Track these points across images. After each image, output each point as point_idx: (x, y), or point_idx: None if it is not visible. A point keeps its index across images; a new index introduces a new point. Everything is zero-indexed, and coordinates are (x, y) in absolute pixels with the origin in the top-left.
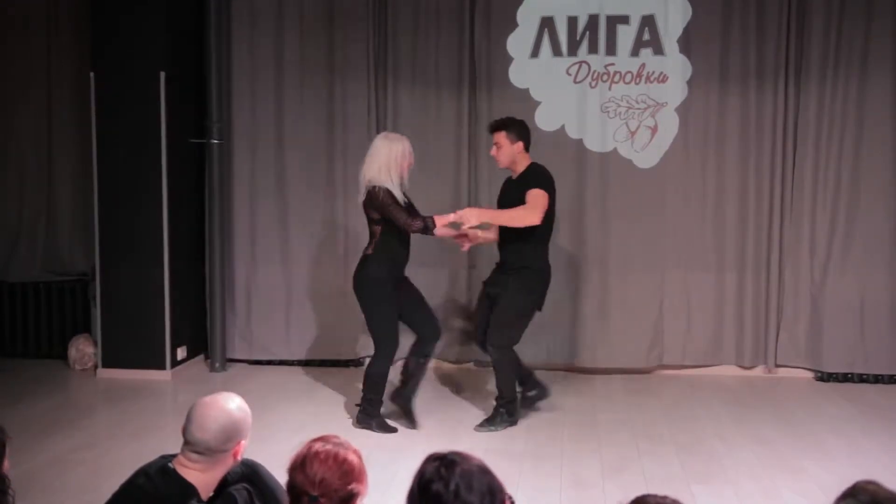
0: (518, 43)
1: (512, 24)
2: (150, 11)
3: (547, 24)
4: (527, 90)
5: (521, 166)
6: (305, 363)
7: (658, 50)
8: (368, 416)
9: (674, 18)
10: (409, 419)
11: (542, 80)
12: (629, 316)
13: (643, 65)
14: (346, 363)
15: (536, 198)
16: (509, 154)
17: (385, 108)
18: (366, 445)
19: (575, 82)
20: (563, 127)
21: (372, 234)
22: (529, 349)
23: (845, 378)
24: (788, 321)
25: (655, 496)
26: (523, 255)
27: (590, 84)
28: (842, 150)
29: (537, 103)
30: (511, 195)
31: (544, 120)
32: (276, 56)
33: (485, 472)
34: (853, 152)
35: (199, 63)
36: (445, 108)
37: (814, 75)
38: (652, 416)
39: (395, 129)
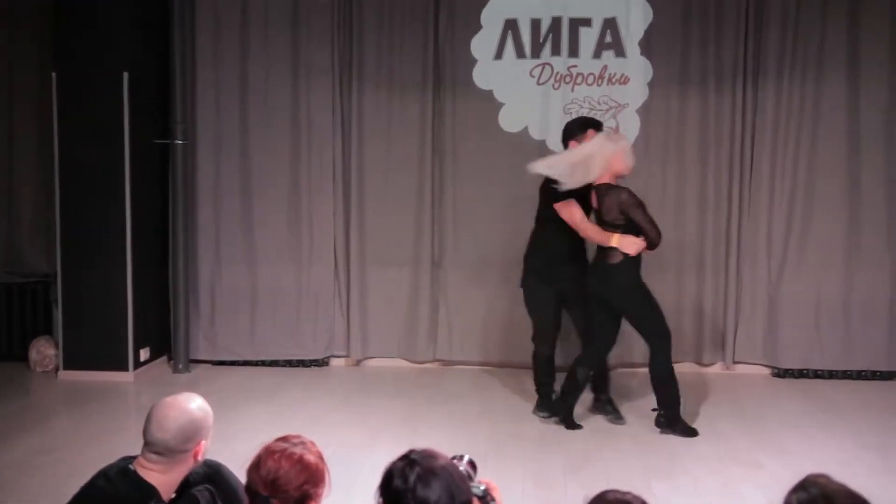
0: (482, 45)
1: (476, 26)
2: (113, 11)
3: (510, 26)
4: (490, 91)
5: None
6: (270, 364)
7: (620, 52)
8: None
9: (635, 21)
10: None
11: (505, 81)
12: None
13: (605, 67)
14: (310, 363)
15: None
16: None
17: (350, 109)
18: (329, 445)
19: (538, 84)
20: (526, 128)
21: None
22: (494, 347)
23: (801, 374)
24: (746, 319)
25: (616, 492)
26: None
27: (553, 85)
28: (798, 151)
29: (501, 105)
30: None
31: (508, 121)
32: (240, 56)
33: (448, 472)
34: (809, 153)
35: (163, 63)
36: (410, 109)
37: (771, 77)
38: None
39: (360, 130)
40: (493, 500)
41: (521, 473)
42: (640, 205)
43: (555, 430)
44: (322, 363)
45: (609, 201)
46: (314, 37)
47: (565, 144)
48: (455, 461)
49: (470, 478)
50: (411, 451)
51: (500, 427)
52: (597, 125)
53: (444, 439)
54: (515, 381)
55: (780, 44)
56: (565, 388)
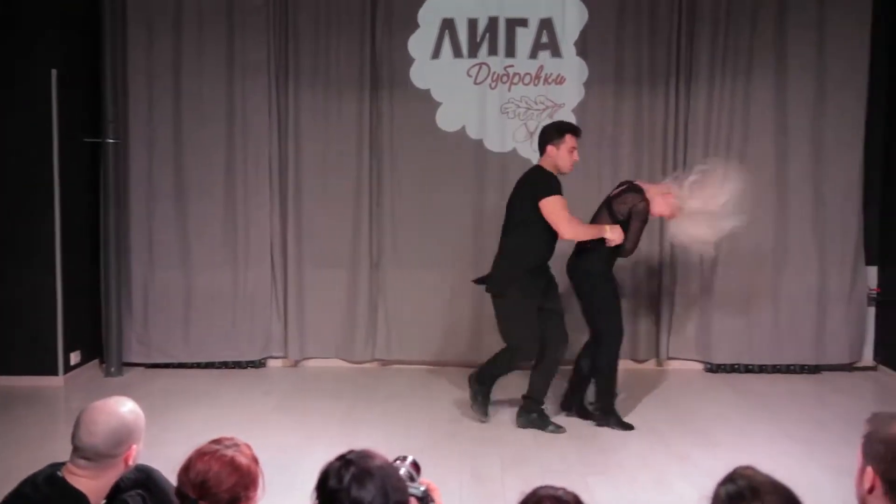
0: (419, 44)
1: (413, 26)
2: (40, 6)
3: (448, 25)
4: (428, 91)
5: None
6: (205, 366)
7: (556, 52)
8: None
9: (570, 22)
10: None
11: (442, 81)
12: None
13: (541, 66)
14: (247, 365)
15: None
16: None
17: (286, 109)
18: (266, 447)
19: (475, 83)
20: (463, 128)
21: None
22: (433, 346)
23: (732, 369)
24: (679, 316)
25: (549, 487)
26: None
27: (490, 85)
28: (729, 151)
29: (438, 104)
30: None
31: (445, 121)
32: (173, 53)
33: (384, 472)
34: (740, 153)
35: (93, 60)
36: (347, 109)
37: (703, 78)
38: (548, 411)
39: (296, 130)
40: (433, 501)
41: (459, 471)
42: (645, 220)
43: (492, 427)
44: (259, 364)
45: (629, 198)
46: (249, 36)
47: (542, 150)
48: (398, 462)
49: (412, 479)
50: (349, 452)
51: (438, 426)
52: (575, 130)
53: (383, 439)
54: (454, 380)
55: (711, 45)
56: (575, 384)
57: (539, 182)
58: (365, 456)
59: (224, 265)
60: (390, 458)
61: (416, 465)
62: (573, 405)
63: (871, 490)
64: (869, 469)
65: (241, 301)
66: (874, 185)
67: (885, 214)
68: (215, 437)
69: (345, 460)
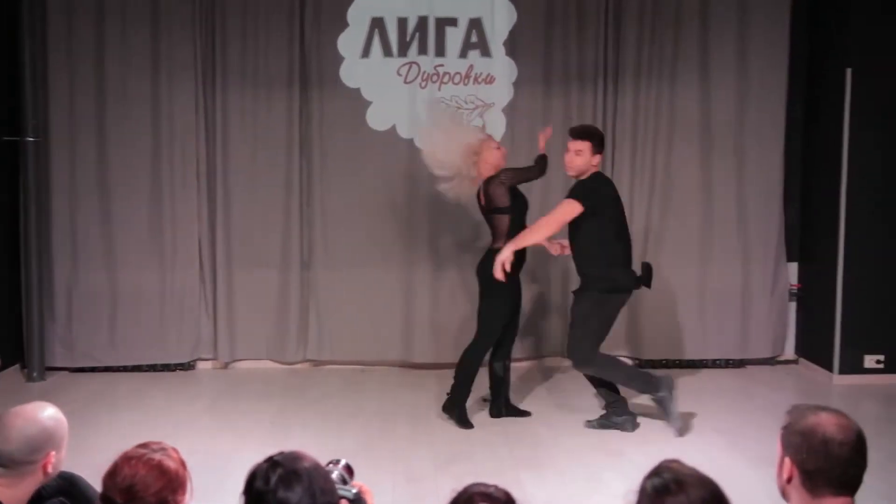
0: (349, 43)
1: (342, 24)
2: None
3: (377, 24)
4: (358, 90)
5: (586, 176)
6: (133, 369)
7: (485, 52)
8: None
9: (500, 22)
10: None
11: (373, 79)
12: (457, 312)
13: (471, 66)
14: (175, 367)
15: (556, 209)
16: (585, 164)
17: (214, 107)
18: (196, 451)
19: (405, 82)
20: (394, 127)
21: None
22: (365, 345)
23: (661, 364)
24: None
25: (480, 485)
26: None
27: (420, 84)
28: (655, 150)
29: (368, 103)
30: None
31: (375, 120)
32: (96, 50)
33: (312, 474)
34: (666, 152)
35: (11, 56)
36: (276, 108)
37: (629, 79)
38: (482, 407)
39: (224, 129)
40: (365, 503)
41: (392, 471)
42: (507, 181)
43: (425, 427)
44: (188, 367)
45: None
46: (175, 32)
47: None
48: (331, 465)
49: (344, 482)
50: (277, 454)
51: (371, 426)
52: (571, 131)
53: (314, 441)
54: (387, 380)
55: (638, 47)
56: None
57: None
58: (293, 457)
59: (151, 266)
60: (323, 460)
61: (349, 469)
62: (502, 409)
63: (789, 480)
64: (787, 460)
65: (168, 302)
66: (794, 184)
67: (804, 212)
68: (142, 441)
69: (272, 462)
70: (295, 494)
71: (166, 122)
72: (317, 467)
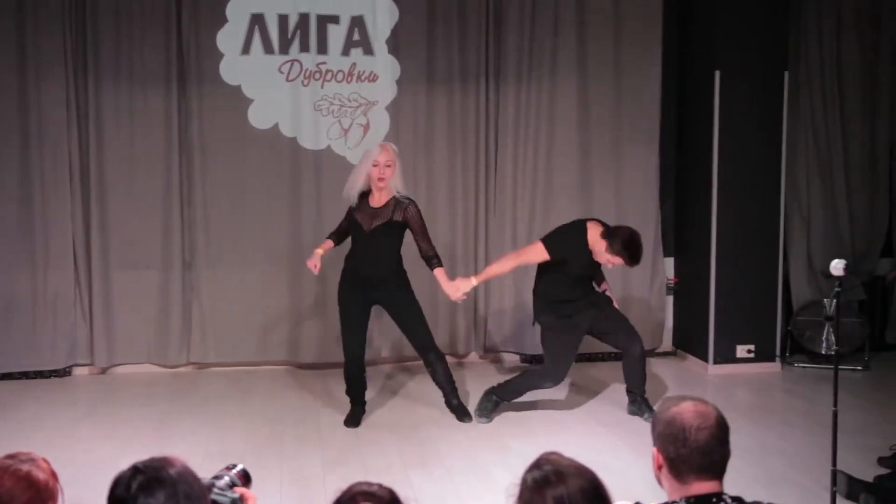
0: (228, 39)
1: (221, 20)
2: None
3: (257, 21)
4: (238, 87)
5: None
6: (4, 377)
7: (368, 50)
8: None
9: (382, 20)
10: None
11: (254, 77)
12: None
13: (354, 64)
14: (50, 374)
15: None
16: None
17: (86, 103)
18: (73, 461)
19: (287, 80)
20: (276, 125)
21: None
22: (250, 346)
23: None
24: (495, 311)
25: (364, 483)
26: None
27: (302, 82)
28: (537, 149)
29: (250, 101)
30: None
31: (257, 118)
32: None
33: (178, 480)
34: (547, 150)
35: None
36: (153, 104)
37: (511, 78)
38: (370, 407)
39: (98, 126)
40: None
41: (279, 473)
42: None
43: (314, 428)
44: (63, 373)
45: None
46: (42, 24)
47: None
48: (225, 471)
49: (232, 486)
50: (145, 460)
51: (257, 428)
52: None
53: (199, 445)
54: (273, 381)
55: (518, 47)
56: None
57: None
58: (158, 463)
59: (21, 268)
60: (212, 465)
61: (244, 475)
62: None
63: (660, 468)
64: (655, 449)
65: (41, 306)
66: (669, 182)
67: (679, 209)
68: (11, 451)
69: (134, 469)
70: (156, 501)
71: (35, 118)
72: (185, 472)
